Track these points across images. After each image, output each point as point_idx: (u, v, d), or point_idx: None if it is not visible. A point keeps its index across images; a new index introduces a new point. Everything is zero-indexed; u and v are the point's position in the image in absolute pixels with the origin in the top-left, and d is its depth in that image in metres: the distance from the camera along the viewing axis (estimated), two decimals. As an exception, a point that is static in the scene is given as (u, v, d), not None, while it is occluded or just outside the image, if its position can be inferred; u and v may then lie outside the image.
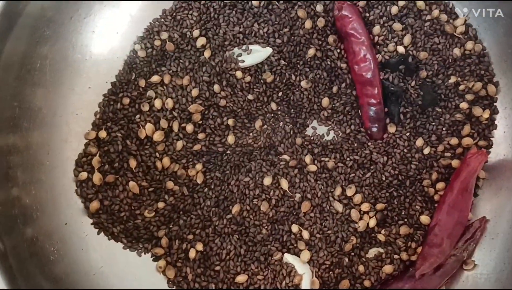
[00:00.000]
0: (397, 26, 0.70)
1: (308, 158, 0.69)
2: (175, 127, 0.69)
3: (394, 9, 0.70)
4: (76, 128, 0.68)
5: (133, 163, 0.67)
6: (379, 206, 0.67)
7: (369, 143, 0.70)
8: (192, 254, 0.66)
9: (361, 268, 0.66)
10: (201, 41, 0.70)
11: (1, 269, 0.51)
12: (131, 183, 0.66)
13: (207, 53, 0.70)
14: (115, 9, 0.71)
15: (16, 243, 0.57)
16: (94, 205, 0.66)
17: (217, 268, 0.66)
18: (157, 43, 0.71)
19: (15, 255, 0.55)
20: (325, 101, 0.70)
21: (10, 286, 0.50)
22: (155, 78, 0.70)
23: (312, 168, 0.68)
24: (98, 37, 0.70)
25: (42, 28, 0.64)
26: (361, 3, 0.71)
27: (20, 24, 0.61)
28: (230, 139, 0.69)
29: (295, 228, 0.67)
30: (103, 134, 0.68)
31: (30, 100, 0.64)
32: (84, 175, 0.66)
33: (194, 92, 0.69)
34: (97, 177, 0.66)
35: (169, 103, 0.69)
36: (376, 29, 0.71)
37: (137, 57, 0.71)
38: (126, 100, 0.69)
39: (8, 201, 0.59)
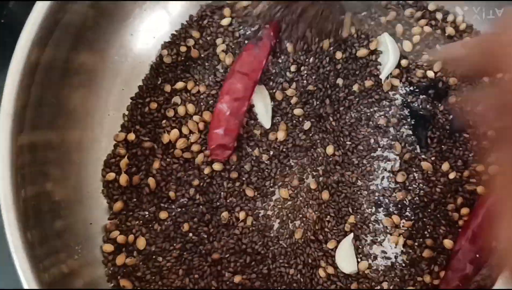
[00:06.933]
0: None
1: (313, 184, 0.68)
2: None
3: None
4: (107, 129, 0.68)
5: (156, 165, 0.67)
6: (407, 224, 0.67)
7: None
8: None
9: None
10: (221, 48, 0.71)
11: (29, 260, 0.51)
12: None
13: (228, 60, 0.71)
14: (154, 13, 0.72)
15: (44, 236, 0.57)
16: (118, 205, 0.66)
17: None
18: (183, 49, 0.72)
19: (43, 247, 0.55)
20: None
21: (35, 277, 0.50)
22: (179, 85, 0.70)
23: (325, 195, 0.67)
24: (136, 40, 0.71)
25: (83, 32, 0.65)
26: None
27: (61, 28, 0.61)
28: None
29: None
30: (131, 136, 0.68)
31: (67, 100, 0.65)
32: (111, 175, 0.67)
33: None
34: (123, 179, 0.66)
35: (190, 109, 0.69)
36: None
37: (163, 62, 0.71)
38: (154, 105, 0.70)
39: (40, 195, 0.59)
